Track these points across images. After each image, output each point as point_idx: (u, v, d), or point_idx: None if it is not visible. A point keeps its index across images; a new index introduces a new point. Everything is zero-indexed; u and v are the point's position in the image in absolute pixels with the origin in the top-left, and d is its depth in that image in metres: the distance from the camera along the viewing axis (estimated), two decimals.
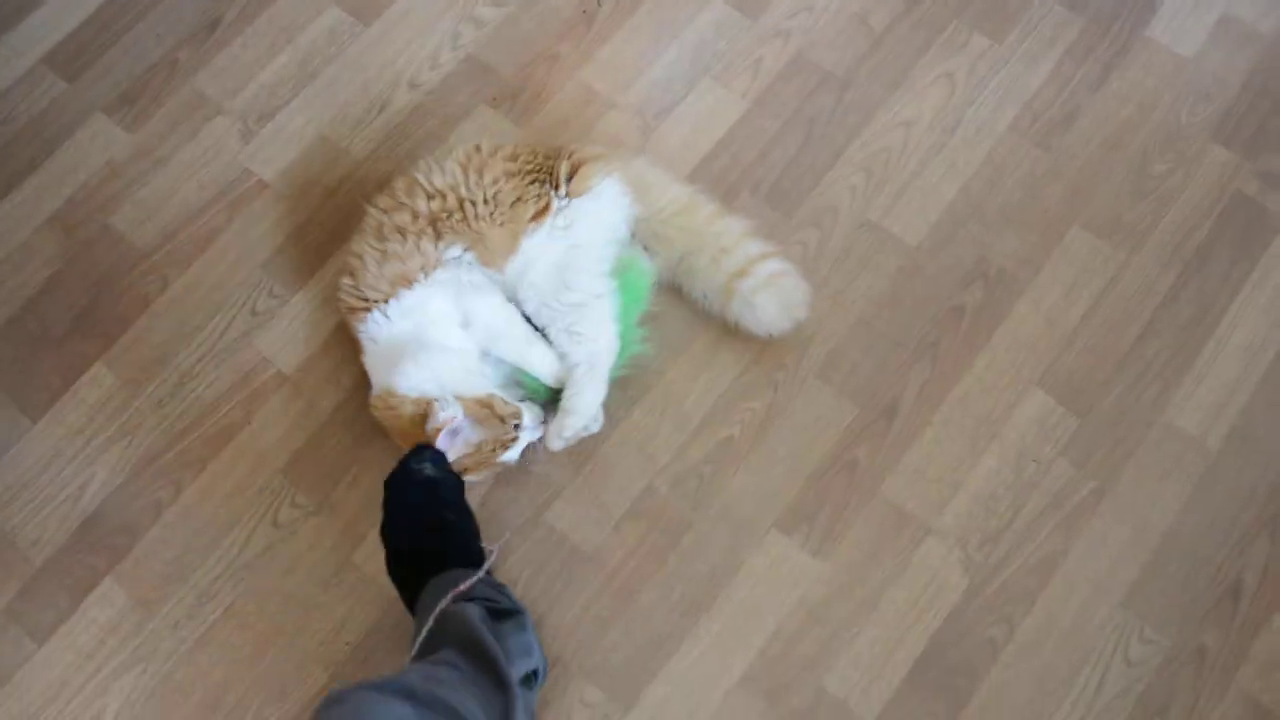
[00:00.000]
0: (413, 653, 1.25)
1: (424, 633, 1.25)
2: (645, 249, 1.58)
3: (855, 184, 1.68)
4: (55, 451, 1.61)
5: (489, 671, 1.18)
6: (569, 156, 1.54)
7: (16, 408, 1.64)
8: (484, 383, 1.46)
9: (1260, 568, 1.46)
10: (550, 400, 1.52)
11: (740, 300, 1.53)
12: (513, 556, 1.50)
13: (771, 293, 1.52)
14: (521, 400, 1.48)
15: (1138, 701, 1.40)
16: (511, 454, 1.45)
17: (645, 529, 1.51)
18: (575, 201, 1.52)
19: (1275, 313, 1.58)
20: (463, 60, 1.82)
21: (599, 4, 1.84)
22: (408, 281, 1.47)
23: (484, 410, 1.41)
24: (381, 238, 1.49)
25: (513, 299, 1.53)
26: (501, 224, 1.49)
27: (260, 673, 1.47)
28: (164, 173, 1.78)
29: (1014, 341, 1.58)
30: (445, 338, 1.46)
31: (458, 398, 1.41)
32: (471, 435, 1.41)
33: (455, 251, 1.50)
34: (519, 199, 1.50)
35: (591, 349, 1.48)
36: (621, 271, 1.53)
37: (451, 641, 1.22)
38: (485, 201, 1.49)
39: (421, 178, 1.51)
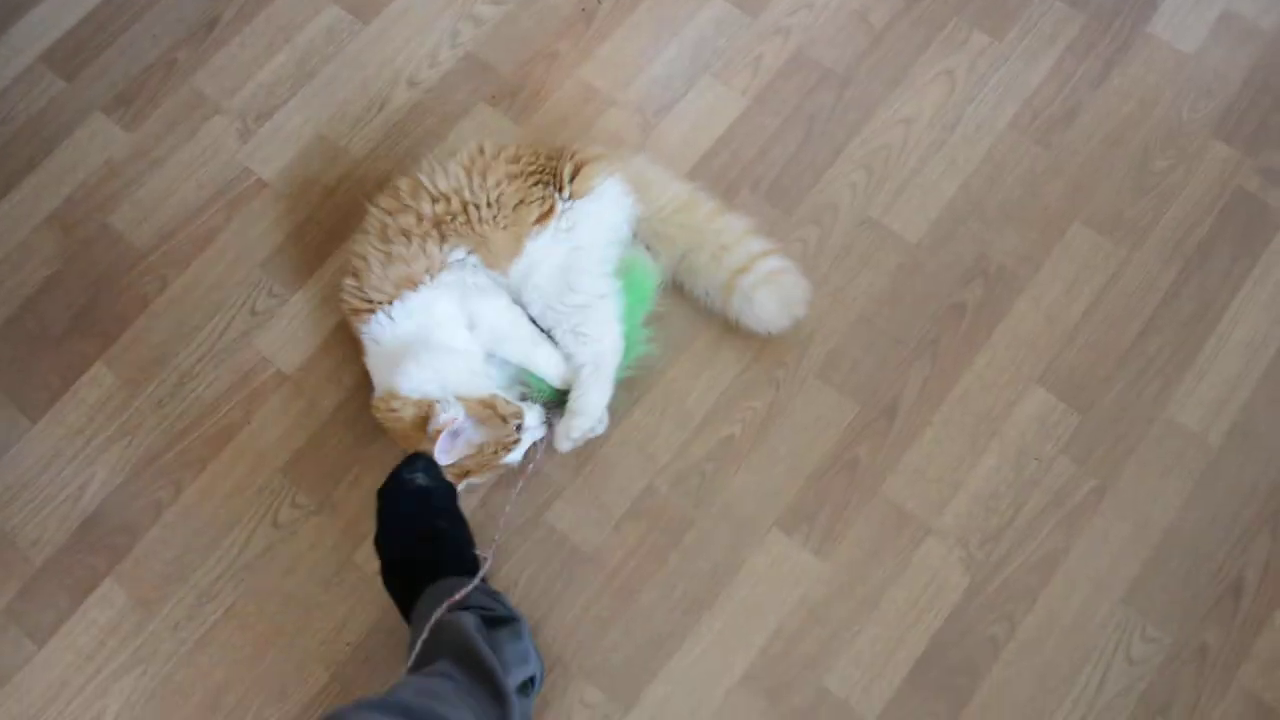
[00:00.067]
0: (409, 663, 1.25)
1: (419, 643, 1.25)
2: (647, 248, 1.58)
3: (855, 181, 1.68)
4: (55, 451, 1.61)
5: (485, 682, 1.17)
6: (571, 157, 1.53)
7: (16, 408, 1.64)
8: (488, 384, 1.45)
9: (1262, 565, 1.45)
10: (556, 401, 1.52)
11: (740, 297, 1.52)
12: (513, 557, 1.50)
13: (771, 290, 1.52)
14: (523, 400, 1.47)
15: (1140, 700, 1.40)
16: (514, 455, 1.45)
17: (646, 528, 1.50)
18: (578, 203, 1.51)
19: (1276, 309, 1.58)
20: (462, 58, 1.82)
21: (599, 1, 1.83)
22: (413, 284, 1.47)
23: (486, 411, 1.41)
24: (386, 240, 1.49)
25: (517, 301, 1.52)
26: (505, 227, 1.49)
27: (261, 673, 1.47)
28: (162, 172, 1.77)
29: (1014, 339, 1.58)
30: (450, 339, 1.46)
31: (459, 399, 1.40)
32: (474, 436, 1.41)
33: (459, 254, 1.50)
34: (522, 201, 1.50)
35: (597, 349, 1.48)
36: (626, 272, 1.53)
37: (447, 652, 1.22)
38: (489, 204, 1.49)
39: (425, 179, 1.51)
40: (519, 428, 1.43)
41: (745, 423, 1.55)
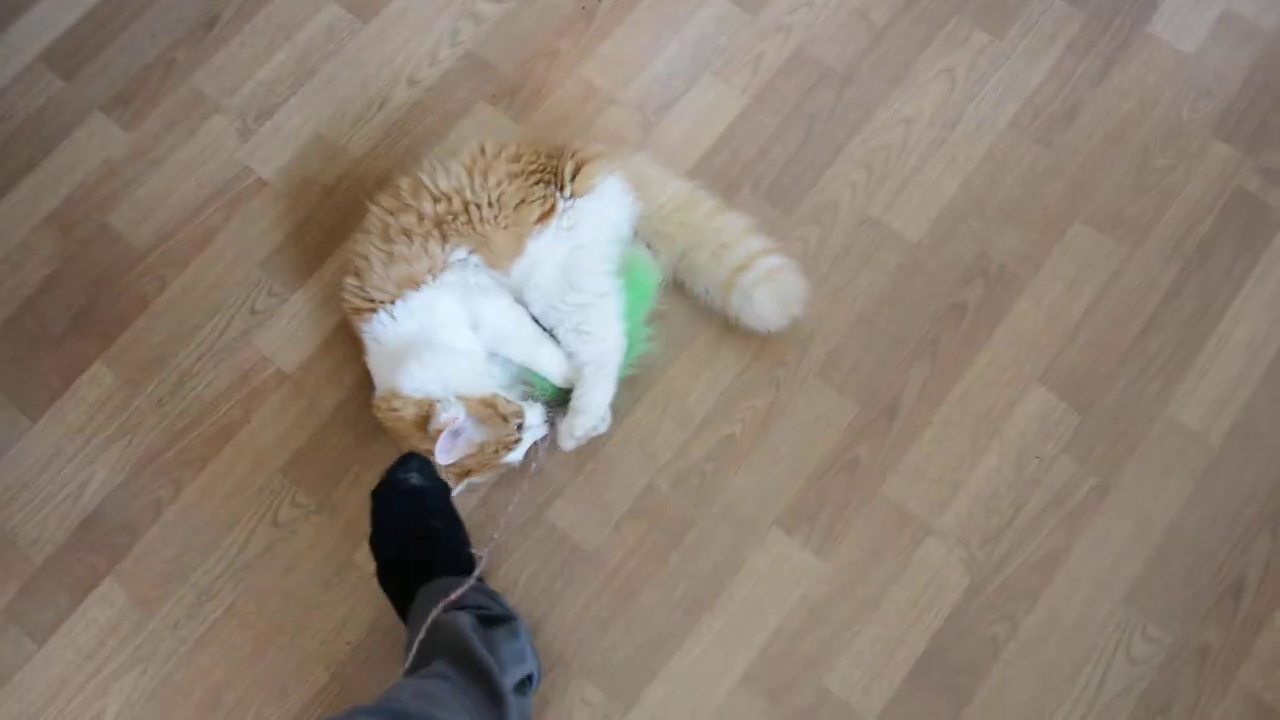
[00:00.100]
0: (406, 664, 1.25)
1: (416, 644, 1.25)
2: (647, 246, 1.57)
3: (856, 180, 1.67)
4: (55, 451, 1.61)
5: (482, 683, 1.17)
6: (572, 156, 1.53)
7: (16, 407, 1.63)
8: (490, 383, 1.45)
9: (1262, 564, 1.45)
10: (559, 400, 1.52)
11: (740, 295, 1.52)
12: (513, 556, 1.50)
13: (770, 288, 1.52)
14: (525, 399, 1.47)
15: (1140, 699, 1.40)
16: (515, 454, 1.45)
17: (646, 528, 1.50)
18: (579, 201, 1.51)
19: (1277, 308, 1.57)
20: (462, 57, 1.81)
21: (599, 0, 1.83)
22: (415, 283, 1.47)
23: (487, 410, 1.40)
24: (388, 239, 1.48)
25: (519, 300, 1.52)
26: (506, 226, 1.49)
27: (261, 672, 1.47)
28: (162, 171, 1.77)
29: (1015, 338, 1.58)
30: (452, 339, 1.46)
31: (460, 398, 1.40)
32: (475, 436, 1.40)
33: (461, 254, 1.49)
34: (523, 200, 1.50)
35: (600, 348, 1.48)
36: (628, 270, 1.53)
37: (443, 652, 1.22)
38: (490, 204, 1.49)
39: (426, 179, 1.51)
40: (520, 427, 1.43)
41: (746, 422, 1.55)
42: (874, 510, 1.50)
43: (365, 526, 1.50)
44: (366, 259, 1.49)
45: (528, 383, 1.51)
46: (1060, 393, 1.54)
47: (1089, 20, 1.76)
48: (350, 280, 1.51)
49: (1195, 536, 1.47)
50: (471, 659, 1.19)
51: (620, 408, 1.53)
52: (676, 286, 1.59)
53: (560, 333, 1.50)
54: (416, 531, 1.38)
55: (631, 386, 1.55)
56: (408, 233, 1.48)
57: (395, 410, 1.42)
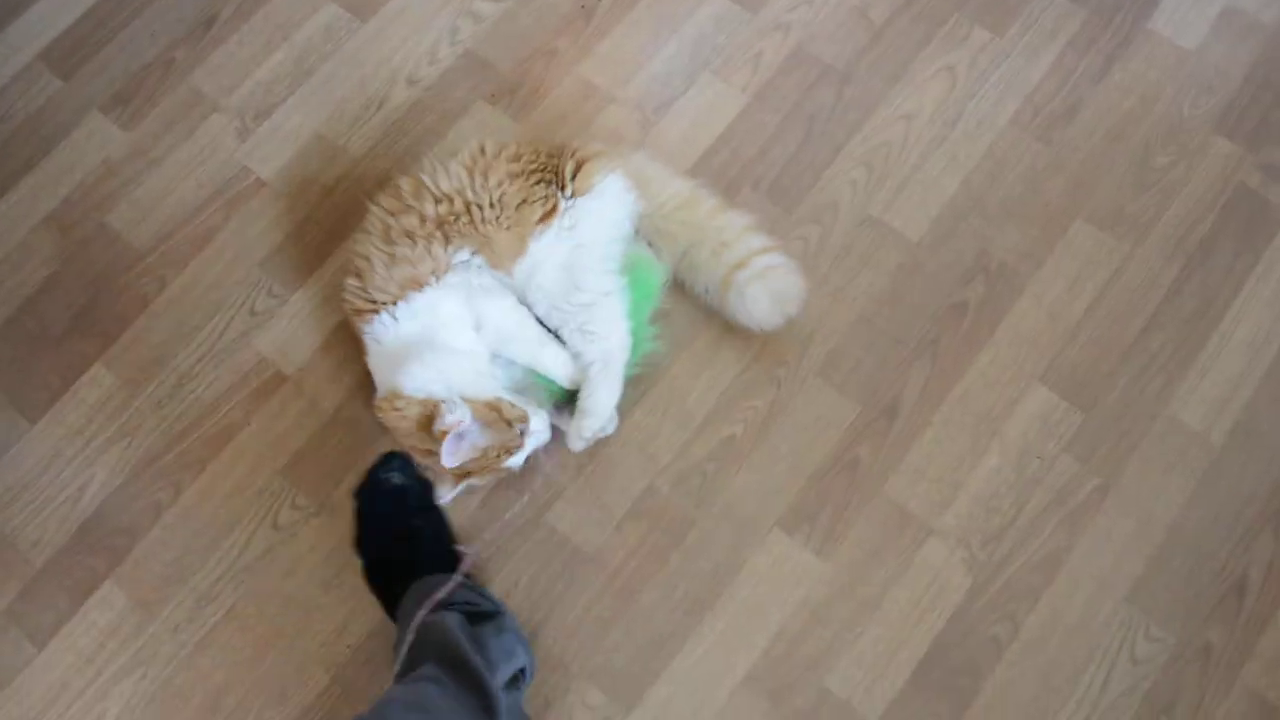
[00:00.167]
0: (397, 666, 1.25)
1: (406, 646, 1.25)
2: (649, 245, 1.57)
3: (856, 179, 1.67)
4: (55, 452, 1.60)
5: (473, 688, 1.18)
6: (572, 155, 1.52)
7: (15, 408, 1.63)
8: (493, 385, 1.45)
9: (1265, 563, 1.45)
10: (566, 401, 1.51)
11: (735, 292, 1.52)
12: (514, 557, 1.50)
13: (763, 285, 1.51)
14: (528, 401, 1.47)
15: (1144, 699, 1.40)
16: (516, 460, 1.45)
17: (647, 529, 1.50)
18: (580, 200, 1.50)
19: (1279, 306, 1.57)
20: (461, 56, 1.81)
21: None
22: (418, 285, 1.46)
23: (492, 414, 1.40)
24: (389, 240, 1.48)
25: (522, 301, 1.52)
26: (508, 227, 1.48)
27: (261, 675, 1.47)
28: (161, 171, 1.77)
29: (1016, 337, 1.57)
30: (455, 340, 1.46)
31: (466, 400, 1.40)
32: (478, 440, 1.40)
33: (463, 255, 1.49)
34: (525, 200, 1.49)
35: (604, 347, 1.48)
36: (631, 269, 1.52)
37: (432, 655, 1.22)
38: (491, 205, 1.48)
39: (427, 180, 1.50)
40: (523, 433, 1.42)
41: (746, 422, 1.55)
42: (875, 510, 1.49)
43: None
44: (368, 259, 1.49)
45: (534, 384, 1.51)
46: (1061, 392, 1.54)
47: (1090, 17, 1.75)
48: (351, 281, 1.51)
49: (1197, 536, 1.46)
50: (461, 663, 1.20)
51: (621, 408, 1.53)
52: (677, 286, 1.58)
53: (565, 333, 1.50)
54: (400, 530, 1.39)
55: (632, 387, 1.54)
56: (410, 234, 1.47)
57: (399, 410, 1.42)
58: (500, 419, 1.40)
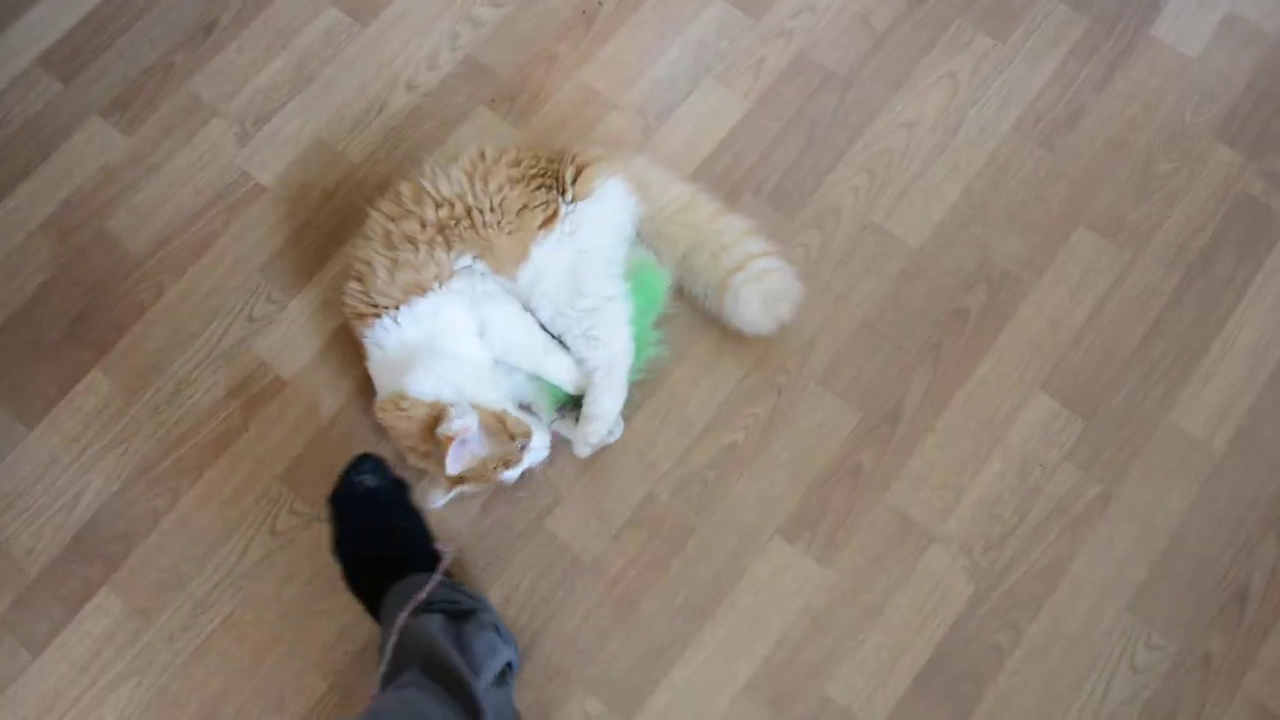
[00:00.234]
0: (381, 668, 1.25)
1: (389, 649, 1.26)
2: (650, 248, 1.56)
3: (858, 185, 1.67)
4: (51, 459, 1.59)
5: (457, 693, 1.18)
6: (572, 160, 1.52)
7: (12, 415, 1.62)
8: (495, 390, 1.45)
9: (1268, 570, 1.44)
10: (571, 406, 1.51)
11: (730, 294, 1.51)
12: (512, 564, 1.49)
13: (757, 288, 1.51)
14: (532, 417, 1.46)
15: (1144, 708, 1.39)
16: (512, 473, 1.44)
17: (647, 537, 1.49)
18: (580, 205, 1.50)
19: None
20: (461, 61, 1.81)
21: (600, 3, 1.82)
22: (421, 290, 1.45)
23: (496, 424, 1.39)
24: (391, 246, 1.47)
25: (526, 307, 1.51)
26: (510, 232, 1.48)
27: (258, 683, 1.46)
28: (160, 177, 1.76)
29: (1018, 344, 1.57)
30: (458, 346, 1.45)
31: (474, 406, 1.39)
32: (479, 449, 1.39)
33: (465, 260, 1.48)
34: (525, 206, 1.49)
35: (608, 352, 1.47)
36: (636, 274, 1.52)
37: (416, 661, 1.22)
38: (492, 209, 1.48)
39: (428, 185, 1.50)
40: (523, 448, 1.42)
41: (747, 429, 1.54)
42: (876, 517, 1.49)
43: None
44: (369, 264, 1.48)
45: (538, 390, 1.50)
46: (1063, 399, 1.53)
47: (1092, 24, 1.75)
48: (353, 285, 1.50)
49: (1199, 543, 1.46)
50: (444, 667, 1.20)
51: (624, 414, 1.52)
52: (678, 291, 1.58)
53: (568, 339, 1.49)
54: (377, 532, 1.40)
55: (635, 392, 1.53)
56: (411, 239, 1.47)
57: (403, 411, 1.41)
58: (504, 431, 1.40)
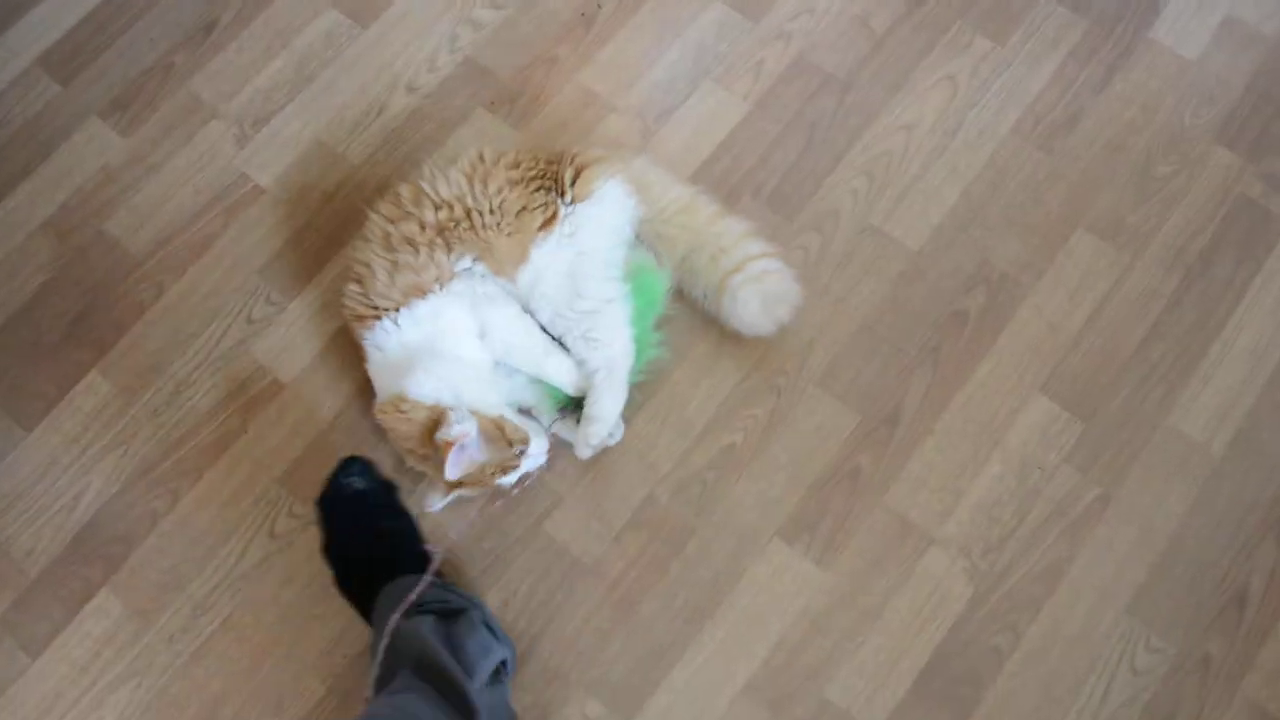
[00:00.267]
0: (374, 671, 1.25)
1: (381, 651, 1.26)
2: (650, 250, 1.56)
3: (857, 188, 1.67)
4: (50, 460, 1.59)
5: (450, 695, 1.18)
6: (571, 161, 1.52)
7: (11, 417, 1.62)
8: (495, 393, 1.45)
9: (1267, 573, 1.45)
10: (571, 407, 1.51)
11: (729, 295, 1.51)
12: (512, 567, 1.49)
13: (755, 289, 1.51)
14: (531, 424, 1.46)
15: (1143, 710, 1.39)
16: (508, 479, 1.44)
17: (647, 538, 1.49)
18: (579, 207, 1.50)
19: None
20: (461, 63, 1.81)
21: (599, 6, 1.82)
22: (422, 292, 1.45)
23: (495, 430, 1.39)
24: (390, 247, 1.47)
25: (526, 309, 1.51)
26: (509, 234, 1.48)
27: (257, 685, 1.46)
28: (159, 178, 1.76)
29: (1017, 346, 1.57)
30: (458, 348, 1.45)
31: (473, 412, 1.39)
32: (478, 455, 1.39)
33: (465, 262, 1.48)
34: (525, 208, 1.49)
35: (608, 354, 1.47)
36: (636, 275, 1.52)
37: (408, 663, 1.22)
38: (491, 211, 1.48)
39: (427, 186, 1.50)
40: (521, 454, 1.42)
41: (746, 431, 1.54)
42: (876, 520, 1.49)
43: None
44: (369, 266, 1.48)
45: (539, 392, 1.50)
46: (1062, 401, 1.53)
47: (1091, 27, 1.75)
48: (352, 287, 1.50)
49: (1198, 546, 1.46)
50: (436, 669, 1.20)
51: (624, 416, 1.52)
52: (677, 293, 1.58)
53: (569, 340, 1.49)
54: (366, 534, 1.40)
55: (635, 394, 1.53)
56: (411, 241, 1.47)
57: (404, 413, 1.41)
58: (502, 438, 1.40)
